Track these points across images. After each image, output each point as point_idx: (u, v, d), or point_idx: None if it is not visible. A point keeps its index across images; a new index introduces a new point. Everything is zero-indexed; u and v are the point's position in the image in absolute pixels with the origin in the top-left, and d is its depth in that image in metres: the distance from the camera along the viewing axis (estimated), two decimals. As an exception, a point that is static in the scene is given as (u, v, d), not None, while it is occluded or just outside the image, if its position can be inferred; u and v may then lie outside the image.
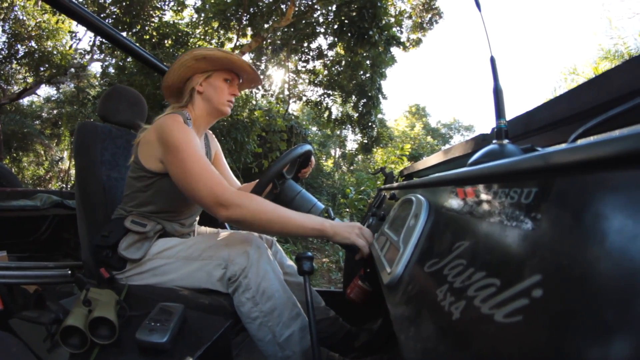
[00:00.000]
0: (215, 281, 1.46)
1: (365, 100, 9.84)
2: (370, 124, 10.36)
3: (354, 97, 10.00)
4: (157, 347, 1.16)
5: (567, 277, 0.30)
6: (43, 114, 17.94)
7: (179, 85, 1.71)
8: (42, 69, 13.25)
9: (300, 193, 1.48)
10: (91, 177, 1.84)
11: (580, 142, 0.53)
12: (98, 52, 13.81)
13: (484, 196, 0.54)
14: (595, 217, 0.30)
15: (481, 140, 1.25)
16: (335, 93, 10.61)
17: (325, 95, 10.80)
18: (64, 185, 16.09)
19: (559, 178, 0.38)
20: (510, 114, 1.00)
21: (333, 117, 11.38)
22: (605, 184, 0.31)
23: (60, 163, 16.95)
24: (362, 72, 9.45)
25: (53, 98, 17.79)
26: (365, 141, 11.07)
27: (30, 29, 12.61)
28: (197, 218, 1.91)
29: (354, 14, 7.72)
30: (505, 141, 0.84)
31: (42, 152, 16.95)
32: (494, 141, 0.85)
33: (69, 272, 2.21)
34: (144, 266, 1.56)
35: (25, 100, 17.13)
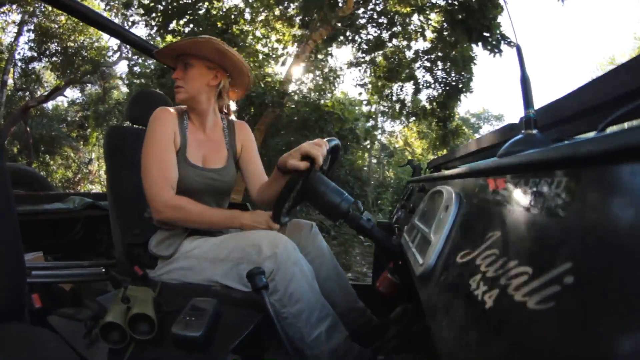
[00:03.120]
0: (246, 282, 1.48)
1: (448, 93, 9.56)
2: (451, 116, 10.15)
3: (433, 89, 9.74)
4: (192, 341, 1.18)
5: (598, 264, 0.31)
6: (68, 117, 18.14)
7: None
8: (75, 65, 13.12)
9: (329, 186, 1.48)
10: (122, 179, 1.89)
11: (609, 130, 0.53)
12: (126, 50, 13.84)
13: (514, 186, 0.54)
14: (625, 205, 0.31)
15: (509, 130, 1.24)
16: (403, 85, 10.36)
17: (399, 86, 10.53)
18: (93, 187, 16.21)
19: (589, 167, 0.38)
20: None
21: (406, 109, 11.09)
22: (634, 173, 0.32)
23: (89, 165, 17.08)
24: (448, 67, 9.17)
25: (78, 101, 18.00)
26: (442, 132, 10.78)
27: (61, 24, 12.54)
28: (223, 201, 1.91)
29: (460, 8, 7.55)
30: (534, 131, 0.83)
31: (72, 154, 17.15)
32: (523, 131, 0.85)
33: (103, 270, 2.26)
34: (174, 264, 1.58)
35: (49, 105, 17.31)
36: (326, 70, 10.44)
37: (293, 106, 8.29)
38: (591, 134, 0.83)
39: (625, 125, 0.62)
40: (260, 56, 8.92)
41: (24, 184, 4.31)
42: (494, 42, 7.53)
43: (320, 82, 9.09)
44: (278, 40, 9.12)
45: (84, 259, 2.65)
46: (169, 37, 7.99)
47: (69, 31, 12.71)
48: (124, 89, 17.20)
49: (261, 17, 8.78)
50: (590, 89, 0.81)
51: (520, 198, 0.50)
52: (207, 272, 1.52)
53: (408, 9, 8.54)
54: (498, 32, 7.52)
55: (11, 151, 14.84)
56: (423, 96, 10.19)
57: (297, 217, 1.90)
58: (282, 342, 1.31)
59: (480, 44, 7.66)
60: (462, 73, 8.97)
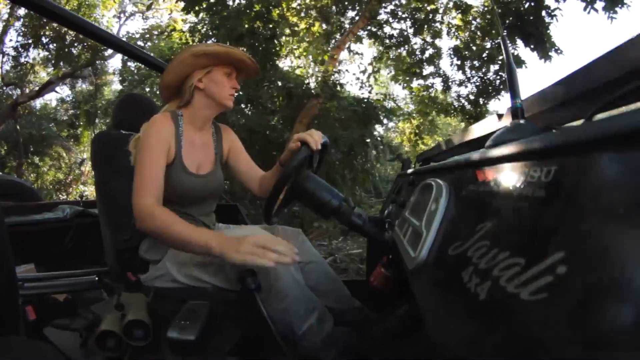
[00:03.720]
0: (234, 282, 1.48)
1: (481, 91, 9.44)
2: (483, 113, 10.08)
3: (465, 87, 9.62)
4: (188, 345, 1.19)
5: (590, 252, 0.31)
6: (57, 116, 17.74)
7: (177, 83, 1.70)
8: (74, 54, 12.50)
9: (319, 184, 1.48)
10: (111, 185, 1.88)
11: (597, 118, 0.53)
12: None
13: (503, 177, 0.54)
14: (614, 192, 0.31)
15: (497, 121, 1.25)
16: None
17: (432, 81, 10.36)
18: (85, 189, 15.88)
19: (578, 155, 0.38)
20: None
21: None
22: (623, 160, 0.32)
23: (81, 165, 16.71)
24: (481, 65, 9.05)
25: (68, 99, 17.68)
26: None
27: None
28: (212, 214, 1.91)
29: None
30: (522, 120, 0.84)
31: (64, 154, 16.84)
32: (511, 121, 0.85)
33: (96, 278, 2.26)
34: (164, 269, 1.57)
35: (37, 104, 16.83)
36: (360, 63, 10.25)
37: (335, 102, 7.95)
38: (579, 122, 0.83)
39: (613, 112, 0.62)
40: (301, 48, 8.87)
41: (12, 195, 4.28)
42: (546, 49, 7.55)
43: (358, 76, 8.84)
44: (307, 30, 8.87)
45: (76, 267, 2.64)
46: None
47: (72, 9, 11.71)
48: (116, 86, 16.92)
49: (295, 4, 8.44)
50: (577, 78, 0.81)
51: (510, 188, 0.50)
52: (196, 273, 1.52)
53: (433, 5, 8.48)
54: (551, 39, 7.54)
55: None
56: (453, 93, 10.07)
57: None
58: (276, 340, 1.31)
59: (531, 48, 7.66)
60: (500, 73, 8.90)
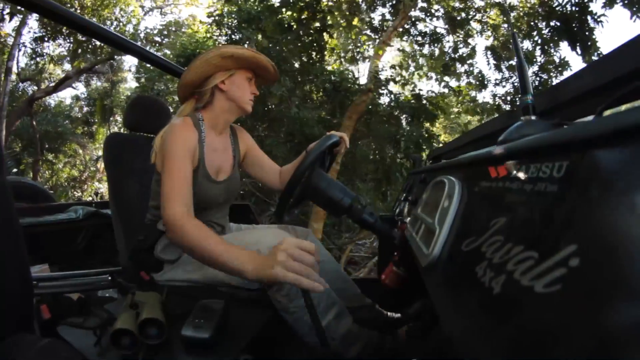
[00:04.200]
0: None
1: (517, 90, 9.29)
2: None
3: (504, 86, 9.50)
4: (202, 343, 1.20)
5: (602, 245, 0.31)
6: (72, 114, 17.65)
7: (198, 83, 1.68)
8: (97, 45, 11.94)
9: (331, 183, 1.48)
10: (124, 186, 1.90)
11: (607, 113, 0.54)
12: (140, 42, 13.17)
13: (516, 173, 0.54)
14: (626, 187, 0.31)
15: (508, 118, 1.25)
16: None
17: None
18: (100, 186, 15.76)
19: (589, 151, 0.39)
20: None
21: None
22: (634, 154, 0.32)
23: (97, 163, 16.52)
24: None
25: (83, 96, 17.66)
26: None
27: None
28: (227, 215, 1.92)
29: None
30: (533, 117, 0.84)
31: (80, 151, 16.86)
32: (522, 117, 0.85)
33: (109, 277, 2.28)
34: (180, 267, 1.59)
35: (52, 101, 16.84)
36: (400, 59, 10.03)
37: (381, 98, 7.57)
38: (590, 118, 0.84)
39: (624, 107, 0.62)
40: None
41: (26, 196, 4.34)
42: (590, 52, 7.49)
43: (402, 72, 8.70)
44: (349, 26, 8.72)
45: (88, 267, 2.67)
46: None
47: (94, 4, 11.36)
48: (130, 84, 16.93)
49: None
50: (589, 73, 0.81)
51: (522, 184, 0.51)
52: (211, 271, 1.53)
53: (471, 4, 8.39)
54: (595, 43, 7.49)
55: (14, 149, 14.38)
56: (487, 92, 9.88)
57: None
58: (295, 337, 1.32)
59: (577, 52, 7.59)
60: (541, 74, 8.81)
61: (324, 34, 6.39)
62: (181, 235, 1.30)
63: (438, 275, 0.69)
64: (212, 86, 1.66)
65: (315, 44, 6.40)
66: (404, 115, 7.28)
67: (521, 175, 0.52)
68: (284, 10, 6.41)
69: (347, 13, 7.74)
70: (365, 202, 1.51)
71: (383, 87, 6.87)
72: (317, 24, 6.33)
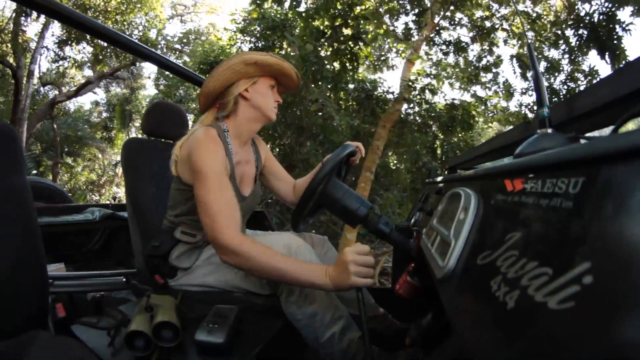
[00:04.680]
0: (264, 284, 1.50)
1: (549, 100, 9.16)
2: None
3: (531, 95, 9.41)
4: (215, 347, 1.21)
5: (616, 263, 0.31)
6: (91, 119, 18.00)
7: (220, 91, 1.66)
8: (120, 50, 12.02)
9: (347, 192, 1.49)
10: (141, 190, 1.93)
11: (625, 128, 0.54)
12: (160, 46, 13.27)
13: (532, 187, 0.54)
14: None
15: (524, 129, 1.24)
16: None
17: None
18: (118, 190, 15.98)
19: (606, 166, 0.39)
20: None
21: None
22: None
23: (116, 167, 16.86)
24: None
25: (102, 101, 17.90)
26: None
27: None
28: (245, 221, 1.91)
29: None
30: (549, 130, 0.84)
31: (99, 155, 17.11)
32: (538, 130, 0.85)
33: (124, 279, 2.31)
34: (194, 273, 1.61)
35: (71, 106, 17.13)
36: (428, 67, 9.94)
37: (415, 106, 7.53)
38: (607, 130, 0.83)
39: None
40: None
41: (44, 197, 4.41)
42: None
43: (432, 82, 8.65)
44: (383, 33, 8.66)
45: (103, 268, 2.71)
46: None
47: (118, 9, 11.42)
48: (151, 91, 17.13)
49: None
50: (606, 85, 0.81)
51: (538, 198, 0.51)
52: (226, 277, 1.55)
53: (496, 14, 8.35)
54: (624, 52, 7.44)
55: (34, 151, 14.58)
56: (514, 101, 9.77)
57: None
58: (302, 345, 1.33)
59: (606, 61, 7.54)
60: (569, 84, 8.73)
61: (359, 41, 6.34)
62: (247, 259, 1.31)
63: (453, 288, 0.69)
64: (235, 94, 1.63)
65: (348, 52, 6.34)
66: (436, 124, 7.25)
67: (537, 189, 0.52)
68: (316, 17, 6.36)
69: (379, 21, 7.73)
70: (380, 212, 1.52)
71: (418, 96, 6.81)
72: (350, 31, 6.26)
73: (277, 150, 7.14)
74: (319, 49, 6.15)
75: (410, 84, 6.63)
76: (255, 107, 1.67)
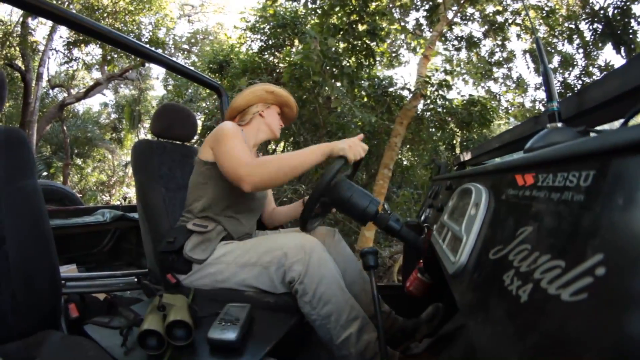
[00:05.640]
0: (277, 285, 1.52)
1: (563, 95, 9.10)
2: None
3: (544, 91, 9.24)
4: (228, 345, 1.22)
5: (628, 255, 0.31)
6: (100, 120, 18.12)
7: (243, 107, 2.02)
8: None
9: (356, 191, 1.50)
10: (151, 191, 1.94)
11: (635, 120, 0.54)
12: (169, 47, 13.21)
13: (543, 181, 0.55)
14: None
15: (534, 124, 1.24)
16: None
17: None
18: (128, 191, 16.10)
19: (616, 159, 0.39)
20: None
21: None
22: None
23: (126, 168, 16.92)
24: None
25: (111, 102, 18.02)
26: None
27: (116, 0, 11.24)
28: (256, 220, 2.00)
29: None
30: (559, 124, 0.83)
31: (109, 156, 17.25)
32: (548, 125, 0.85)
33: (135, 279, 2.32)
34: (207, 270, 1.62)
35: (80, 108, 17.22)
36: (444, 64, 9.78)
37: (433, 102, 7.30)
38: (617, 123, 0.83)
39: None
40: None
41: (55, 199, 4.45)
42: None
43: (447, 78, 8.55)
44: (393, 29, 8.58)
45: (114, 268, 2.73)
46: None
47: (126, 9, 11.41)
48: (159, 92, 17.16)
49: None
50: (615, 78, 0.80)
51: (549, 192, 0.51)
52: (239, 276, 1.57)
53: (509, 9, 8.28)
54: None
55: (44, 153, 14.68)
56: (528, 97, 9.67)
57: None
58: (314, 345, 1.34)
59: (622, 55, 7.47)
60: (583, 78, 8.64)
61: (375, 37, 6.29)
62: (265, 166, 1.58)
63: (465, 283, 0.70)
64: (255, 112, 2.01)
65: (365, 48, 6.34)
66: (453, 121, 7.20)
67: (548, 183, 0.52)
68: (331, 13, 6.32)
69: (393, 17, 7.68)
70: (390, 210, 1.52)
71: (436, 92, 6.74)
72: (366, 27, 6.24)
73: (293, 148, 7.15)
74: (337, 44, 6.09)
75: (427, 80, 6.53)
76: (266, 124, 2.04)
